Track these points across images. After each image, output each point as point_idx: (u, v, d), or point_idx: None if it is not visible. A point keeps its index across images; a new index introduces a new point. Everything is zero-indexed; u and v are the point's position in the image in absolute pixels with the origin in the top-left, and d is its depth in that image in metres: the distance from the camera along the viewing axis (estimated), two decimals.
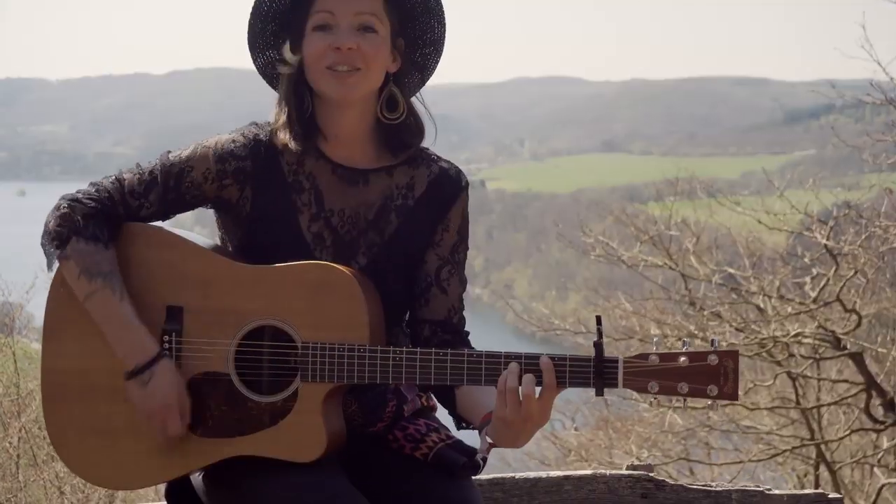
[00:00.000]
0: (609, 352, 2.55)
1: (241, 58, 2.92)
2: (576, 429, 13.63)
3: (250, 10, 2.73)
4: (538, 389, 2.49)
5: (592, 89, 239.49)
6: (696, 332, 9.23)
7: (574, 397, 12.64)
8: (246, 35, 2.74)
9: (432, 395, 2.88)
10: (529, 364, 2.51)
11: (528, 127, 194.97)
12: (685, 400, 2.51)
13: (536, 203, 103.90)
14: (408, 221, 2.76)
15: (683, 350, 2.51)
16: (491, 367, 2.53)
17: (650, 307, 10.54)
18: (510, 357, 2.52)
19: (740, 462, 10.82)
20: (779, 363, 10.98)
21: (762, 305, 10.64)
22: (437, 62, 2.86)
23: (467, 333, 2.86)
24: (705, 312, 9.66)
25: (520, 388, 2.48)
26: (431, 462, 2.70)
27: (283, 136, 2.69)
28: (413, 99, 2.82)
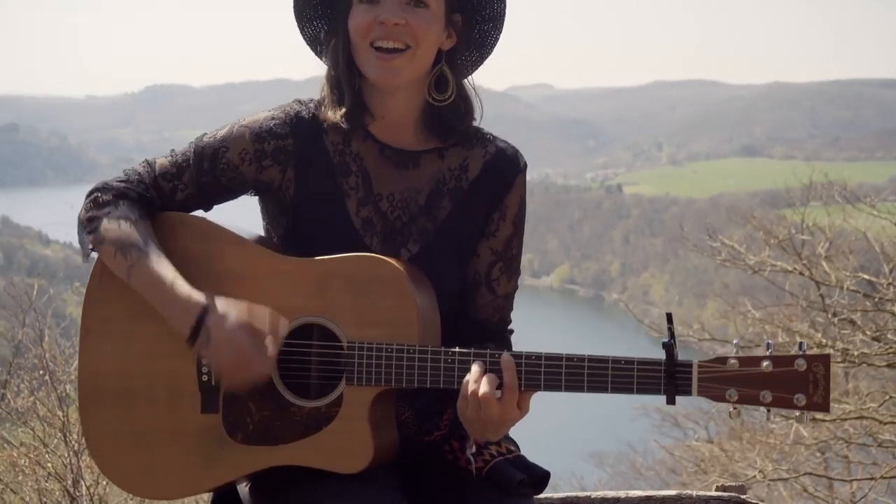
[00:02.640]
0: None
1: None
2: (710, 441, 13.39)
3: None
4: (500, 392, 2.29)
5: (732, 92, 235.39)
6: (824, 340, 8.96)
7: (705, 404, 12.44)
8: (292, 3, 2.53)
9: None
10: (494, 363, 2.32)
11: (666, 131, 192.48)
12: (769, 410, 2.23)
13: (674, 208, 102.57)
14: (461, 206, 2.52)
15: (767, 353, 2.23)
16: (463, 366, 2.34)
17: (779, 314, 10.25)
18: (479, 355, 2.33)
19: (871, 479, 10.47)
20: None
21: None
22: (496, 39, 2.59)
23: (511, 332, 2.65)
24: (835, 320, 9.35)
25: (479, 388, 2.28)
26: (486, 477, 2.48)
27: (331, 114, 2.47)
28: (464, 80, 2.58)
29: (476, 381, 2.29)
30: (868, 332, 9.29)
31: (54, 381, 8.49)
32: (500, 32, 2.59)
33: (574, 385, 2.31)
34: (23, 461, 8.25)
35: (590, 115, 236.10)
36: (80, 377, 2.50)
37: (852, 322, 9.43)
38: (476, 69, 2.62)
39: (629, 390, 2.28)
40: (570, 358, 2.32)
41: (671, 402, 2.27)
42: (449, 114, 2.53)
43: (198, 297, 2.35)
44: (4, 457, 8.40)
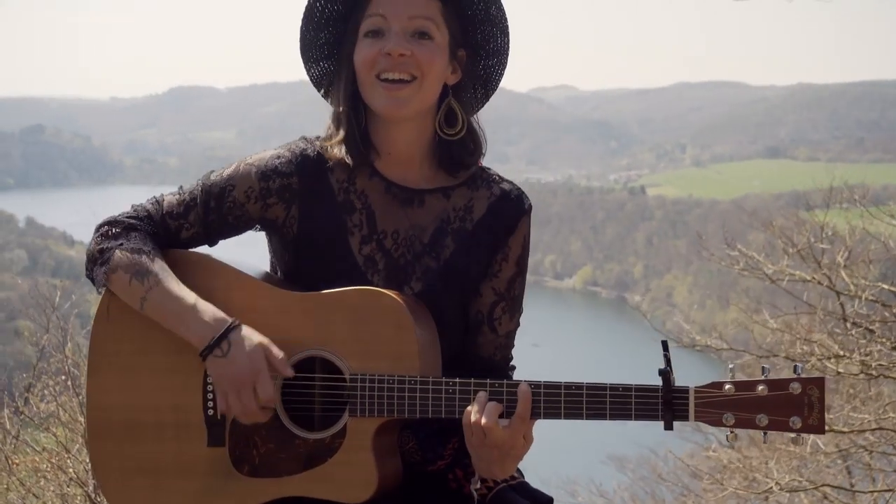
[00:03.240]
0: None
1: None
2: (731, 447, 13.31)
3: (302, 16, 2.54)
4: (507, 420, 2.32)
5: (756, 94, 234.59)
6: (841, 351, 8.90)
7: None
8: (298, 44, 2.55)
9: None
10: (510, 391, 2.34)
11: (689, 132, 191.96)
12: (765, 433, 2.26)
13: (697, 210, 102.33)
14: (465, 247, 2.54)
15: (763, 377, 2.26)
16: (464, 395, 2.37)
17: (797, 323, 10.18)
18: (481, 385, 2.35)
19: (890, 490, 10.39)
20: None
21: None
22: (501, 75, 2.62)
23: (512, 369, 2.67)
24: (853, 332, 9.28)
25: (482, 418, 2.31)
26: (490, 503, 2.51)
27: (337, 152, 2.50)
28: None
29: (478, 410, 2.32)
30: (888, 343, 9.21)
31: (76, 387, 8.54)
32: (505, 68, 2.61)
33: (573, 413, 2.33)
34: (45, 466, 8.30)
35: (613, 116, 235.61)
36: (89, 410, 2.55)
37: (871, 332, 9.36)
38: (482, 106, 2.64)
39: (627, 417, 2.30)
40: (568, 386, 2.33)
41: (669, 427, 2.29)
42: (458, 149, 2.56)
43: (224, 315, 2.40)
44: (27, 462, 8.47)
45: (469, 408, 2.33)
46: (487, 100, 2.66)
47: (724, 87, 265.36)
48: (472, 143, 2.58)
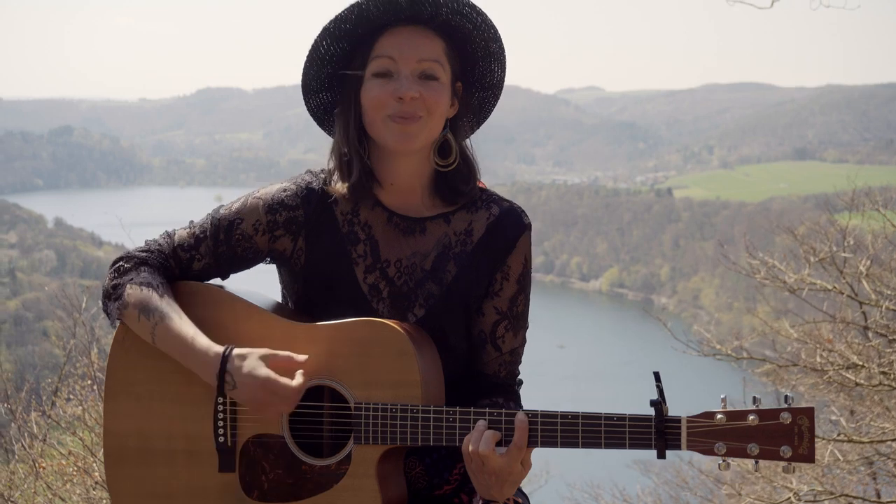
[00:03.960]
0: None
1: None
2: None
3: (306, 54, 2.60)
4: (502, 448, 2.38)
5: (784, 95, 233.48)
6: (859, 361, 8.85)
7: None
8: (301, 78, 2.62)
9: None
10: (508, 420, 2.40)
11: (717, 134, 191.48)
12: (757, 462, 2.31)
13: (724, 212, 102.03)
14: (466, 269, 2.60)
15: (754, 407, 2.31)
16: (464, 424, 2.43)
17: (818, 331, 10.12)
18: (480, 414, 2.42)
19: None
20: None
21: None
22: (493, 106, 2.71)
23: (519, 384, 2.73)
24: (874, 341, 9.21)
25: (479, 447, 2.38)
26: None
27: (339, 187, 2.59)
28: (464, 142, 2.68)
29: (476, 439, 2.38)
30: None
31: (101, 391, 8.59)
32: (498, 99, 2.70)
33: (569, 441, 2.39)
34: (71, 469, 8.37)
35: (640, 117, 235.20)
36: (105, 435, 2.64)
37: (893, 342, 9.28)
38: (472, 133, 2.71)
39: (622, 446, 2.37)
40: (564, 415, 2.39)
41: (661, 456, 2.35)
42: (454, 177, 2.63)
43: (217, 348, 2.48)
44: (54, 465, 8.54)
45: (468, 436, 2.40)
46: (479, 127, 2.73)
47: (753, 88, 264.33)
48: (466, 170, 2.64)
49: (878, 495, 11.96)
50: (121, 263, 2.61)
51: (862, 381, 8.99)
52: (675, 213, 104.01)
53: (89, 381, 8.95)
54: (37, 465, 8.39)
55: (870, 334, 9.64)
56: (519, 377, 2.73)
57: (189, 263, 2.62)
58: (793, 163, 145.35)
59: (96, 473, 8.15)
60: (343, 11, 2.52)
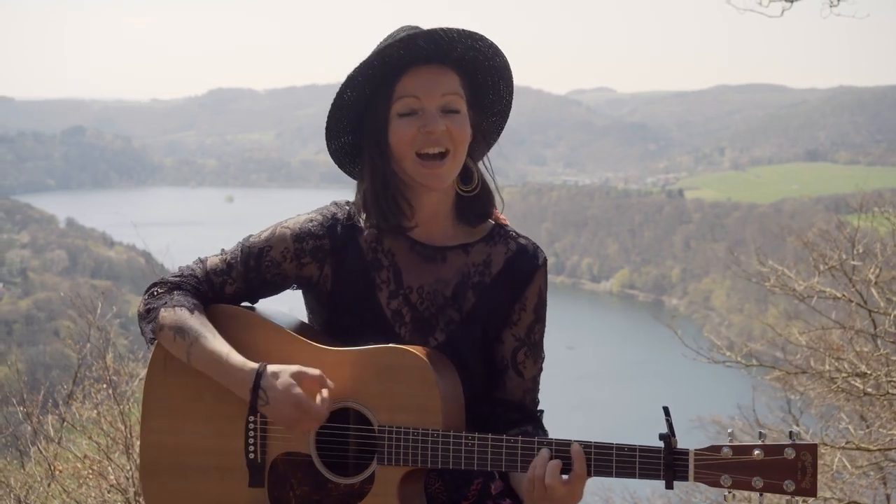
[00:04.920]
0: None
1: None
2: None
3: (332, 103, 2.72)
4: (568, 476, 2.48)
5: (796, 97, 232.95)
6: (868, 370, 8.87)
7: (762, 415, 12.38)
8: (325, 124, 2.74)
9: None
10: (560, 450, 2.50)
11: (728, 135, 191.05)
12: (761, 495, 2.41)
13: (736, 213, 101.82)
14: (485, 299, 2.74)
15: (759, 442, 2.42)
16: (526, 452, 2.53)
17: (827, 338, 10.12)
18: (542, 443, 2.51)
19: None
20: None
21: None
22: (502, 128, 2.85)
23: (541, 413, 2.84)
24: (883, 350, 9.21)
25: (545, 477, 2.48)
26: None
27: (367, 221, 2.72)
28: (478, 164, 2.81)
29: (541, 466, 2.50)
30: None
31: (117, 396, 8.68)
32: (506, 122, 2.84)
33: None
34: (86, 472, 8.44)
35: (651, 118, 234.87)
36: (142, 450, 2.78)
37: None
38: (484, 155, 2.83)
39: (632, 475, 2.48)
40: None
41: (669, 486, 2.49)
42: (475, 201, 2.78)
43: (251, 364, 2.60)
44: (69, 468, 8.61)
45: (532, 463, 2.51)
46: (489, 149, 2.85)
47: (764, 89, 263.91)
48: (484, 194, 2.79)
49: (888, 500, 11.97)
50: (155, 288, 2.74)
51: (871, 391, 9.02)
52: (686, 215, 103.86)
53: (104, 385, 9.06)
54: (52, 467, 8.48)
55: (879, 342, 9.65)
56: (540, 407, 2.85)
57: (221, 288, 2.76)
58: (804, 164, 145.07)
59: (111, 477, 8.23)
60: (368, 59, 2.64)
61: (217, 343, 2.63)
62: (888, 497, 12.10)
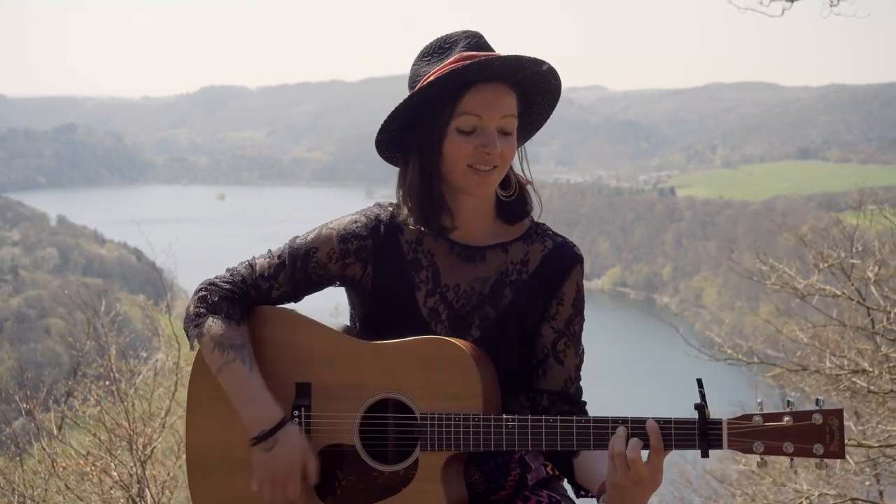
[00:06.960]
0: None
1: None
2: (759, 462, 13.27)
3: (400, 105, 2.77)
4: (645, 453, 2.54)
5: (789, 95, 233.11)
6: (869, 367, 8.92)
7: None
8: (378, 131, 2.80)
9: None
10: (636, 427, 2.56)
11: (720, 133, 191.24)
12: (792, 459, 2.51)
13: (728, 211, 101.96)
14: (522, 296, 2.82)
15: (788, 409, 2.52)
16: (599, 431, 2.60)
17: (826, 334, 10.16)
18: (617, 421, 2.58)
19: None
20: None
21: None
22: (533, 134, 2.95)
23: (585, 403, 2.90)
24: (882, 347, 9.24)
25: (627, 451, 2.54)
26: None
27: (412, 224, 2.81)
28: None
29: (622, 443, 2.56)
30: None
31: (120, 393, 8.72)
32: (538, 130, 2.95)
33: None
34: (89, 469, 8.46)
35: (643, 117, 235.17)
36: (187, 447, 2.86)
37: None
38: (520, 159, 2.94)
39: (668, 446, 2.56)
40: (615, 420, 2.59)
41: (705, 455, 2.55)
42: (515, 204, 2.88)
43: (279, 411, 2.72)
44: (72, 465, 8.63)
45: (612, 440, 2.57)
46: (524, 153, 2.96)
47: (756, 87, 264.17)
48: (521, 197, 2.89)
49: (882, 496, 12.03)
50: (205, 293, 2.82)
51: (874, 389, 9.08)
52: (678, 213, 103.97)
53: (107, 382, 9.10)
54: (55, 464, 8.50)
55: (878, 339, 9.70)
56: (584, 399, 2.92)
57: (269, 291, 2.85)
58: (796, 162, 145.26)
59: (114, 473, 8.26)
60: (443, 76, 2.71)
61: (251, 376, 2.73)
62: (881, 493, 12.16)
